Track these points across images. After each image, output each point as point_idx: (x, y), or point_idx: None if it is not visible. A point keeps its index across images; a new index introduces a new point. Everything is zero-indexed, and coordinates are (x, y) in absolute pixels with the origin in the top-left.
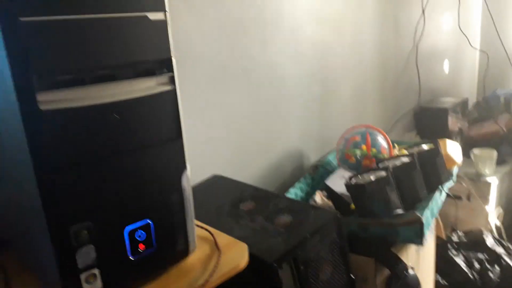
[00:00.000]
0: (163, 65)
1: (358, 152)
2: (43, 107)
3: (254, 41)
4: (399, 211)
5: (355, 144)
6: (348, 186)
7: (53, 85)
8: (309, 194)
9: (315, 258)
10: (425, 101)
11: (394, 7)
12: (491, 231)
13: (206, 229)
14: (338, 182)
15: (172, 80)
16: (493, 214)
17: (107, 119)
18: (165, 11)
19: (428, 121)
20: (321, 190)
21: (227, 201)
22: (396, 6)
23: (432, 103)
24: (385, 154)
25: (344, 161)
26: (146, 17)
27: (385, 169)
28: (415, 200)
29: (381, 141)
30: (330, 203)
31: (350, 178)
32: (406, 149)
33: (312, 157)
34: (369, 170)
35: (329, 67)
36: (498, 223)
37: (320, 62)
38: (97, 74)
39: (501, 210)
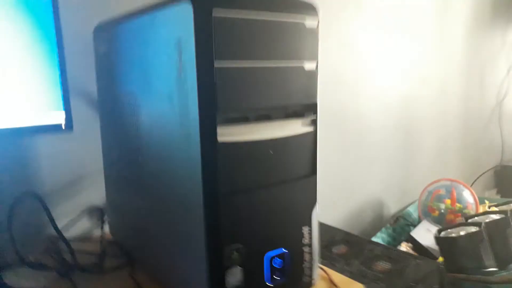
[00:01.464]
0: (309, 109)
1: (442, 206)
2: (219, 139)
3: (346, 92)
4: (492, 269)
5: (439, 197)
6: (438, 238)
7: (226, 121)
8: (391, 245)
9: None
10: (507, 159)
11: (480, 64)
12: None
13: (320, 267)
14: (423, 234)
15: (314, 122)
16: None
17: (263, 154)
18: (317, 60)
19: (511, 180)
20: (406, 241)
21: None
22: (482, 64)
23: None
24: (471, 210)
25: (427, 214)
26: (302, 67)
27: (476, 224)
28: (509, 259)
29: (467, 196)
30: (416, 255)
31: (439, 231)
32: (496, 206)
33: (393, 207)
34: (458, 224)
35: (414, 118)
36: None
37: (406, 114)
38: (258, 114)
39: None
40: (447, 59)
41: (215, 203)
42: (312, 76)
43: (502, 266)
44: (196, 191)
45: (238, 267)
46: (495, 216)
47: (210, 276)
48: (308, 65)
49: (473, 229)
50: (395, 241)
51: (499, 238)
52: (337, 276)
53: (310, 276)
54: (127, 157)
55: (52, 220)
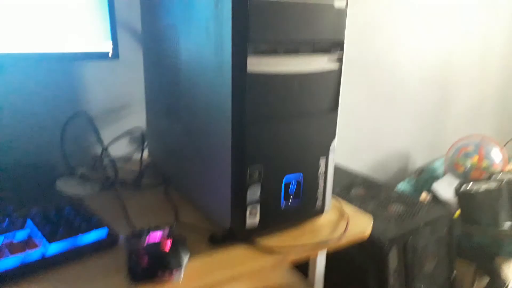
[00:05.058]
0: (336, 45)
1: (468, 163)
2: (249, 69)
3: (381, 41)
4: (507, 224)
5: (467, 154)
6: (457, 191)
7: (256, 52)
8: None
9: (423, 249)
10: None
11: None
12: None
13: (333, 197)
14: (445, 187)
15: (340, 60)
16: None
17: (289, 86)
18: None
19: None
20: (427, 191)
21: (339, 186)
22: None
23: None
24: (498, 168)
25: (452, 170)
26: (332, 5)
27: (498, 181)
28: None
29: (496, 154)
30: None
31: (461, 185)
32: None
33: (419, 161)
34: (480, 180)
35: (451, 72)
36: None
37: (444, 68)
38: (287, 47)
39: None
40: (491, 15)
41: (242, 128)
42: (341, 13)
43: None
44: (225, 117)
45: (257, 185)
46: None
47: (234, 190)
48: (338, 3)
49: (493, 185)
50: (417, 191)
51: None
52: (348, 207)
53: (323, 203)
54: (167, 86)
55: (100, 140)
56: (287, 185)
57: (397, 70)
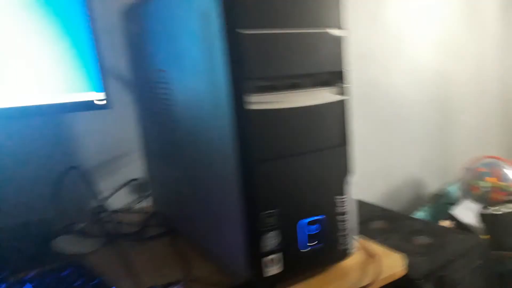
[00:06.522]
0: (338, 77)
1: (485, 184)
2: (248, 107)
3: (376, 67)
4: None
5: (480, 175)
6: (482, 215)
7: (254, 90)
8: None
9: (461, 282)
10: None
11: None
12: None
13: (357, 238)
14: (464, 212)
15: (344, 91)
16: None
17: (293, 122)
18: (344, 28)
19: None
20: (446, 219)
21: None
22: None
23: None
24: None
25: (468, 192)
26: (327, 33)
27: None
28: None
29: (511, 173)
30: (458, 230)
31: (484, 208)
32: None
33: (431, 186)
34: (501, 202)
35: (449, 95)
36: None
37: (441, 90)
38: (286, 82)
39: None
40: (481, 33)
41: (247, 170)
42: (338, 43)
43: None
44: (228, 159)
45: (274, 232)
46: None
47: (247, 241)
48: (334, 32)
49: None
50: (434, 219)
51: None
52: (374, 246)
53: (345, 245)
54: (163, 131)
55: (96, 192)
56: (305, 229)
57: (396, 95)
